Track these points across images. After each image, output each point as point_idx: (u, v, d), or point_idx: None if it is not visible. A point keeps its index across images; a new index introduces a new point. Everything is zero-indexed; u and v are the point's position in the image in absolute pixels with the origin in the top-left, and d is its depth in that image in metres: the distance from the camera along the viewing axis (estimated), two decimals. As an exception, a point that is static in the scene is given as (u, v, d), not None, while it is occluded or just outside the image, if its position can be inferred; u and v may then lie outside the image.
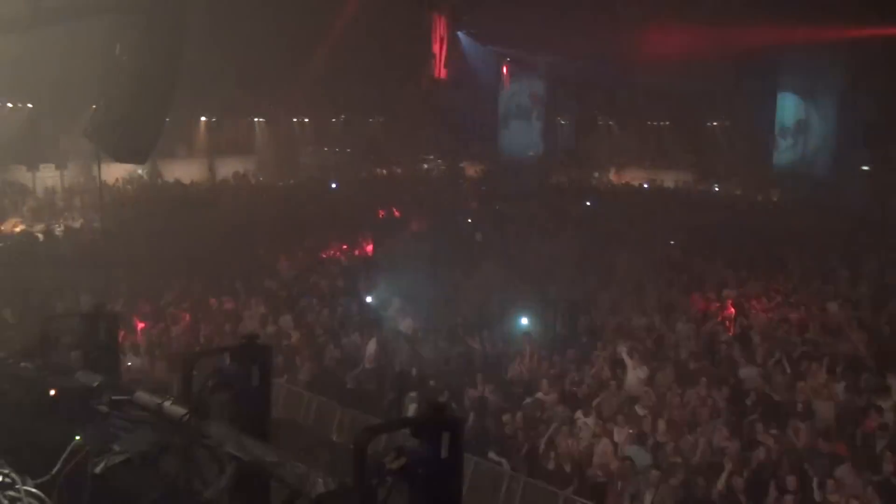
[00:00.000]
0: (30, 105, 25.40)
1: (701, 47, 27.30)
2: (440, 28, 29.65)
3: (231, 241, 19.93)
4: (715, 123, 35.69)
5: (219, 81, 24.99)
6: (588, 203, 28.29)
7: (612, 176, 36.34)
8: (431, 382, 11.93)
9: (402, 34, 27.13)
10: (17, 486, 1.74)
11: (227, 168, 32.56)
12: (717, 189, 33.57)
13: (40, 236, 21.33)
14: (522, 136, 38.69)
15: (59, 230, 22.34)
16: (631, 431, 9.80)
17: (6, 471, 1.77)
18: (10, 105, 25.35)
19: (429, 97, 29.84)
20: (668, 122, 36.07)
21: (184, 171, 30.32)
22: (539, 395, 11.13)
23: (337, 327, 14.67)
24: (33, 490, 1.75)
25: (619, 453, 9.47)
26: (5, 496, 1.65)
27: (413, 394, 12.09)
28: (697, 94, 31.98)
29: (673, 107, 33.85)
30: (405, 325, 14.91)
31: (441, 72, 30.25)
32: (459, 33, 31.48)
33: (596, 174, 36.81)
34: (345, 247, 21.63)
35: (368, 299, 16.58)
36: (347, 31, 27.36)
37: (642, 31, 28.40)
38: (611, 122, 38.07)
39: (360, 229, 22.72)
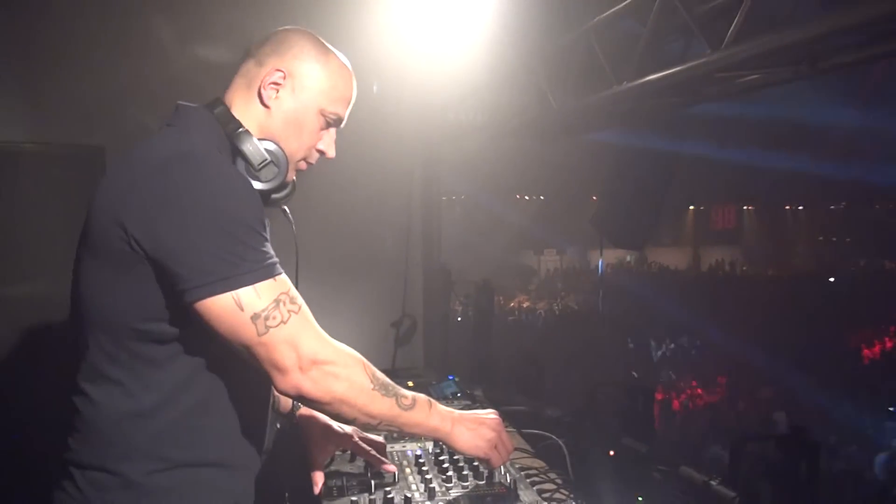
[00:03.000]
0: (542, 197, 28.98)
1: None
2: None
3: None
4: None
5: (710, 172, 25.06)
6: None
7: None
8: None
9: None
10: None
11: (712, 256, 32.28)
12: None
13: (542, 313, 24.04)
14: None
15: (557, 308, 24.85)
16: None
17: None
18: (526, 198, 29.33)
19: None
20: None
21: (669, 257, 31.04)
22: None
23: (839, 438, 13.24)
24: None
25: None
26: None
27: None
28: None
29: None
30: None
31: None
32: None
33: None
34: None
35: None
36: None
37: None
38: None
39: (865, 326, 20.26)
